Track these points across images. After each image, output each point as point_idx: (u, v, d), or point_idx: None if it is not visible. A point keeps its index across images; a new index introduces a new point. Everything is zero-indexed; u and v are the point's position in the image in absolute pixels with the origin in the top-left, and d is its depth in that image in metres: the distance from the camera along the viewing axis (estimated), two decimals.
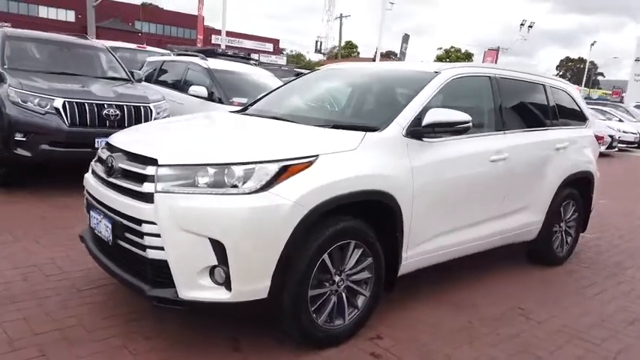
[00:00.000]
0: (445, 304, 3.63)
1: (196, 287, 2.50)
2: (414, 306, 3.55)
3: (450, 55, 70.03)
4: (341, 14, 55.48)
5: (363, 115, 3.87)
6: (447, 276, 4.10)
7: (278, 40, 69.05)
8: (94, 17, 19.97)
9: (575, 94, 4.92)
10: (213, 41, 47.75)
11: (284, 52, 72.17)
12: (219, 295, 2.50)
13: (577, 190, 4.75)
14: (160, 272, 2.56)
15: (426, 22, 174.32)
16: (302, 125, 3.26)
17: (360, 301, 3.04)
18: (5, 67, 6.08)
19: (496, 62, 35.62)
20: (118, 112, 5.73)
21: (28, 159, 5.37)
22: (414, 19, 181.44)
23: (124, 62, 7.45)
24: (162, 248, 2.50)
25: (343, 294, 2.93)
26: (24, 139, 5.32)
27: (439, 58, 69.74)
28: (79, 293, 3.31)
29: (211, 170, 2.52)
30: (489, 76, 3.94)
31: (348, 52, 77.51)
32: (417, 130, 3.19)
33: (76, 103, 5.48)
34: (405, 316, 3.39)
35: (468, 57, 69.37)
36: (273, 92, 4.41)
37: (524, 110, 4.36)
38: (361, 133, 3.01)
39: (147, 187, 2.57)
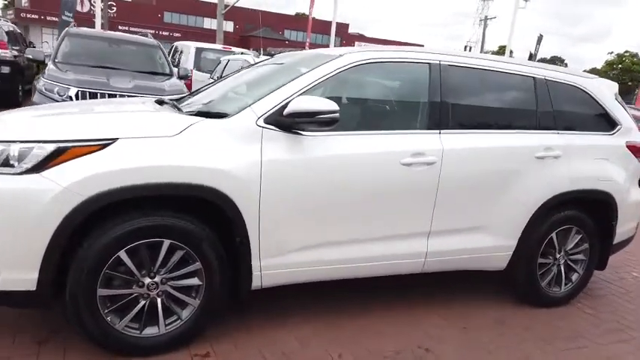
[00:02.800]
0: (319, 326, 3.04)
1: None
2: (271, 325, 3.03)
3: (624, 61, 61.96)
4: (485, 16, 52.21)
5: (232, 100, 3.36)
6: (363, 297, 3.48)
7: (422, 46, 67.58)
8: (222, 24, 21.55)
9: (598, 92, 3.83)
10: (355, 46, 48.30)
11: None
12: None
13: (585, 213, 3.70)
14: None
15: (603, 24, 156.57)
16: (168, 112, 2.98)
17: (187, 311, 2.66)
18: (56, 60, 6.72)
19: None
20: None
21: None
22: (592, 21, 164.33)
23: (210, 62, 7.75)
24: None
25: (159, 299, 2.59)
26: None
27: (609, 64, 62.25)
28: None
29: None
30: (429, 63, 3.22)
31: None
32: (280, 120, 2.71)
33: (89, 92, 5.81)
34: (251, 337, 2.90)
35: None
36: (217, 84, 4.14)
37: (488, 107, 3.50)
38: (189, 119, 2.64)
39: None
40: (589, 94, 3.79)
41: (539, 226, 3.52)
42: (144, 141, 2.46)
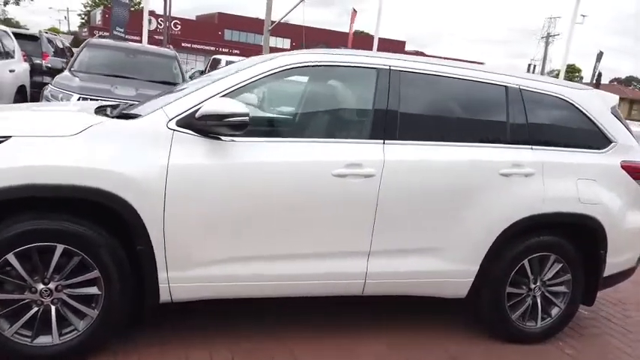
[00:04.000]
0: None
1: None
2: (186, 343, 2.82)
3: None
4: (547, 33, 50.05)
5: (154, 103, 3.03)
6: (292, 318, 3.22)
7: (482, 64, 65.95)
8: (269, 40, 21.89)
9: (587, 104, 3.41)
10: None
11: None
12: None
13: (566, 240, 3.27)
14: None
15: None
16: (85, 114, 2.89)
17: (84, 322, 2.52)
18: (72, 69, 6.93)
19: None
20: None
21: None
22: None
23: None
24: None
25: (53, 307, 2.46)
26: None
27: None
28: None
29: None
30: (376, 68, 2.96)
31: (569, 76, 69.74)
32: (194, 124, 2.54)
33: (90, 99, 5.90)
34: (163, 354, 2.70)
35: None
36: None
37: (446, 117, 3.17)
38: (93, 120, 2.53)
39: None
40: (575, 106, 3.38)
41: (506, 251, 3.14)
42: (37, 140, 2.37)
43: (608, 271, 3.43)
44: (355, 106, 3.03)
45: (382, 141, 2.88)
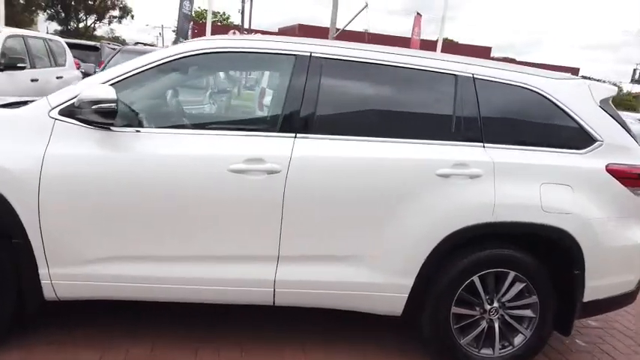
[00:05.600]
0: None
1: None
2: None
3: None
4: None
5: None
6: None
7: (578, 69, 61.62)
8: None
9: (564, 96, 2.88)
10: None
11: None
12: None
13: (530, 256, 2.78)
14: None
15: None
16: None
17: None
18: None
19: None
20: None
21: None
22: None
23: None
24: None
25: None
26: None
27: None
28: None
29: None
30: (295, 55, 2.68)
31: None
32: (75, 112, 2.42)
33: None
34: None
35: None
36: None
37: (375, 109, 2.79)
38: None
39: None
40: (547, 98, 2.87)
41: (448, 264, 2.72)
42: None
43: (590, 296, 2.86)
44: (267, 96, 2.76)
45: (294, 135, 2.59)
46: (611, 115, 2.97)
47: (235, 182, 2.49)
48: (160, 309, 2.93)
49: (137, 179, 2.44)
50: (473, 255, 2.73)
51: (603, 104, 2.97)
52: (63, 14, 45.44)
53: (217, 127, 2.67)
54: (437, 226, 2.65)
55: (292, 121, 2.60)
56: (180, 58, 2.58)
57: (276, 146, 2.55)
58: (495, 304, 2.82)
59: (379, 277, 2.68)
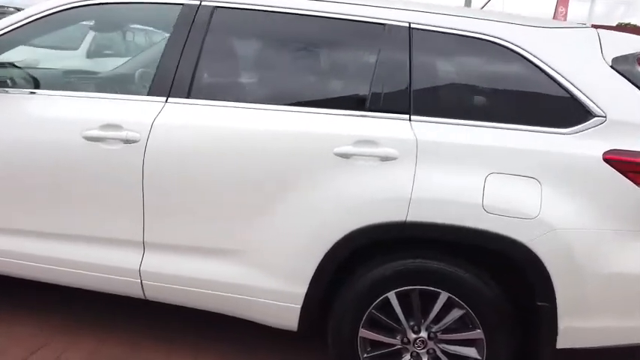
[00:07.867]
0: None
1: None
2: None
3: None
4: None
5: None
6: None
7: None
8: None
9: (548, 51, 1.99)
10: None
11: None
12: None
13: (472, 274, 1.99)
14: None
15: None
16: None
17: None
18: None
19: None
20: None
21: None
22: None
23: None
24: None
25: None
26: None
27: None
28: None
29: None
30: (183, 4, 2.23)
31: None
32: None
33: None
34: None
35: None
36: None
37: (269, 71, 2.20)
38: None
39: None
40: (518, 52, 2.03)
41: (354, 272, 2.07)
42: None
43: (568, 342, 1.98)
44: (140, 54, 2.36)
45: (164, 99, 2.17)
46: (630, 80, 2.01)
47: (90, 151, 2.15)
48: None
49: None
50: (385, 264, 2.04)
51: (619, 64, 2.02)
52: None
53: (87, 89, 2.36)
54: (332, 221, 2.02)
55: (165, 82, 2.18)
56: (46, 15, 2.31)
57: (139, 111, 2.15)
58: (423, 334, 2.09)
59: (263, 280, 2.14)
